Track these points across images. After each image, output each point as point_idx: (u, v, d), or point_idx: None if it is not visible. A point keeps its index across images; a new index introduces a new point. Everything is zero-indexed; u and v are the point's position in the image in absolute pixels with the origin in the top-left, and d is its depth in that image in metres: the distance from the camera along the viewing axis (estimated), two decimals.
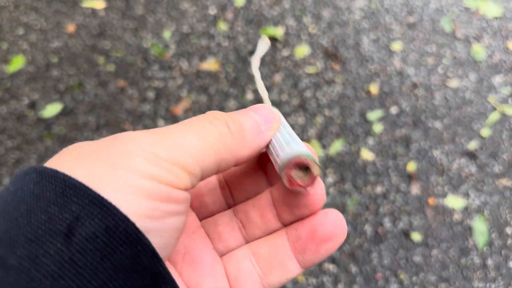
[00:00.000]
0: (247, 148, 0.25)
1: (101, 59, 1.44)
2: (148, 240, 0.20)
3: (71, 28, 1.52)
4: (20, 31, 1.51)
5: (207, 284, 0.26)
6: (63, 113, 1.33)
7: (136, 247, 0.19)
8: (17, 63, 1.43)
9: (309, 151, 0.25)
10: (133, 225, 0.19)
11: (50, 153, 1.26)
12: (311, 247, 0.26)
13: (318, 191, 0.26)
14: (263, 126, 0.26)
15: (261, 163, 0.30)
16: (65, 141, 1.28)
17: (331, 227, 0.26)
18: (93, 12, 1.56)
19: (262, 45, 0.31)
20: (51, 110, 1.33)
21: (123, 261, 0.19)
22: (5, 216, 0.19)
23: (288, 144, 0.25)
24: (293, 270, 0.27)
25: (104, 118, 1.32)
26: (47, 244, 0.18)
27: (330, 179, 1.21)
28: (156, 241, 0.20)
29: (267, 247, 0.28)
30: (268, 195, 0.29)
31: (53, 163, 0.21)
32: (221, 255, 0.29)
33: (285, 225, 0.28)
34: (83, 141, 0.22)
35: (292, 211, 0.27)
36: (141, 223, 0.19)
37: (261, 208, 0.28)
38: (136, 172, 0.20)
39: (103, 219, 0.19)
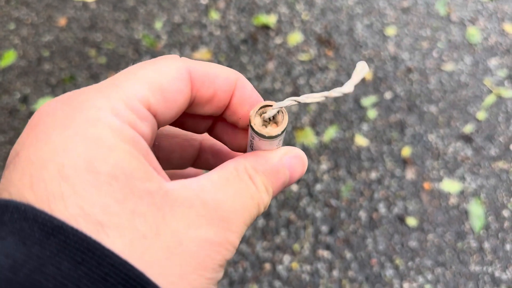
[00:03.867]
0: (271, 197, 0.25)
1: (92, 52, 1.43)
2: None
3: (62, 21, 1.51)
4: (11, 26, 1.50)
5: None
6: None
7: None
8: (9, 58, 1.42)
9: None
10: None
11: None
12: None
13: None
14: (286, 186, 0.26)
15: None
16: None
17: None
18: (84, 5, 1.55)
19: (359, 72, 0.25)
20: (43, 103, 1.32)
21: None
22: None
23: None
24: None
25: None
26: None
27: (324, 166, 1.20)
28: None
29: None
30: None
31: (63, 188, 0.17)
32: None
33: None
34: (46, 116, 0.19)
35: None
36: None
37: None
38: (193, 266, 0.19)
39: None
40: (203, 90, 0.23)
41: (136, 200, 0.18)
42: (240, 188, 0.22)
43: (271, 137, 0.23)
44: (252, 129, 0.24)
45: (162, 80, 0.21)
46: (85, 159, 0.18)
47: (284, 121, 0.24)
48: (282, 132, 0.24)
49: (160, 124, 0.22)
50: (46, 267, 0.16)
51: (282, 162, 0.24)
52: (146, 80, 0.21)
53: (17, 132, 1.28)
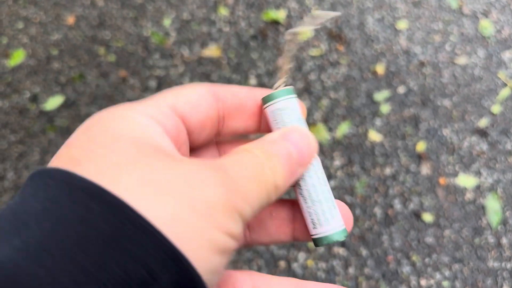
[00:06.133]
0: (285, 187, 0.24)
1: (101, 50, 1.42)
2: None
3: (70, 20, 1.50)
4: (20, 25, 1.49)
5: None
6: (65, 105, 1.32)
7: None
8: (18, 57, 1.42)
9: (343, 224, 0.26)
10: (205, 286, 0.18)
11: (53, 146, 1.25)
12: None
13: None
14: (296, 164, 0.24)
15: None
16: (68, 133, 1.26)
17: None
18: (92, 2, 1.54)
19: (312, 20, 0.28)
20: (53, 102, 1.32)
21: None
22: (73, 262, 0.16)
23: (324, 218, 0.26)
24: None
25: None
26: None
27: (338, 162, 1.19)
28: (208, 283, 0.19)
29: None
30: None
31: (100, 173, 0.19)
32: None
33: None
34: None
35: None
36: (210, 278, 0.19)
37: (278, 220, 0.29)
38: (213, 226, 0.18)
39: (180, 280, 0.17)
40: (229, 102, 0.26)
41: (148, 152, 0.19)
42: (249, 157, 0.22)
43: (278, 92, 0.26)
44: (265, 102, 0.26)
45: (186, 91, 0.24)
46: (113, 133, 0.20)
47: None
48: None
49: (191, 128, 0.24)
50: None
51: (284, 135, 0.24)
52: (172, 93, 0.24)
53: (28, 131, 1.27)
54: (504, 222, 1.10)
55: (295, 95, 0.27)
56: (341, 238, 0.25)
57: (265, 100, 0.26)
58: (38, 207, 0.17)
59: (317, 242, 0.26)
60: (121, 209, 0.17)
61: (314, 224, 0.26)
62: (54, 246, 0.16)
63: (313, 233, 0.26)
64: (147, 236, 0.16)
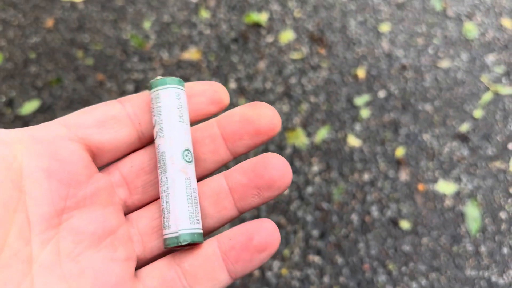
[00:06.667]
0: None
1: (80, 53, 1.40)
2: None
3: (49, 22, 1.48)
4: None
5: None
6: (41, 110, 1.30)
7: None
8: None
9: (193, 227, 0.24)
10: None
11: None
12: (245, 257, 0.25)
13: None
14: None
15: None
16: None
17: (266, 235, 0.25)
18: (72, 5, 1.52)
19: None
20: (29, 107, 1.30)
21: None
22: None
23: (169, 215, 0.24)
24: (223, 280, 0.25)
25: None
26: None
27: (316, 168, 1.17)
28: None
29: (194, 259, 0.25)
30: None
31: None
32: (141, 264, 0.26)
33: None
34: None
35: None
36: None
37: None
38: None
39: None
40: None
41: None
42: None
43: None
44: None
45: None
46: None
47: None
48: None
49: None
50: None
51: None
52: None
53: None
54: (483, 229, 1.08)
55: (180, 86, 0.25)
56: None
57: (150, 86, 0.25)
58: None
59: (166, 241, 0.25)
60: None
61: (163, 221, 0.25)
62: None
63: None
64: None
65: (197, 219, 0.24)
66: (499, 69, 1.31)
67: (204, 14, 1.49)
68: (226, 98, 0.28)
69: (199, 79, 1.33)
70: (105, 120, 0.25)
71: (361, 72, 1.32)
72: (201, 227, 0.25)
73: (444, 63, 1.34)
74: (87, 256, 0.23)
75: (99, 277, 0.23)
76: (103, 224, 0.24)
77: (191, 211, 0.24)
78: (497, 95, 1.27)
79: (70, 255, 0.22)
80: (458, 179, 1.14)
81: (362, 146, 1.20)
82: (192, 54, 1.40)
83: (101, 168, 0.27)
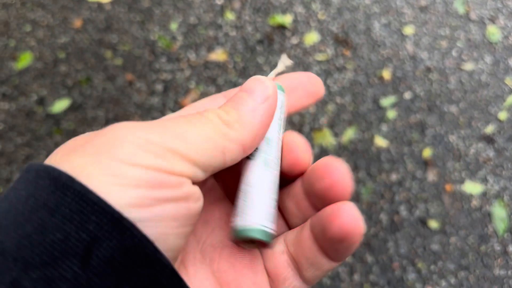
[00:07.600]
0: (248, 131, 0.23)
1: (108, 53, 1.43)
2: (167, 260, 0.19)
3: (77, 23, 1.51)
4: (28, 28, 1.50)
5: (246, 281, 0.25)
6: (72, 108, 1.32)
7: (154, 268, 0.18)
8: (25, 60, 1.42)
9: (267, 222, 0.24)
10: (151, 245, 0.18)
11: None
12: (328, 247, 0.24)
13: (343, 180, 0.24)
14: (258, 102, 0.24)
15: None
16: (74, 136, 1.27)
17: (341, 228, 0.23)
18: (99, 6, 1.54)
19: (282, 64, 0.29)
20: (60, 105, 1.32)
21: (142, 283, 0.18)
22: (18, 230, 0.18)
23: (247, 208, 0.24)
24: (326, 264, 0.25)
25: (113, 112, 1.31)
26: (64, 267, 0.17)
27: None
28: (151, 232, 0.19)
29: (295, 245, 0.26)
30: (300, 182, 0.27)
31: (50, 159, 0.20)
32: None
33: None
34: (82, 134, 0.22)
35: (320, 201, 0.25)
36: (130, 213, 0.18)
37: (295, 197, 0.26)
38: (120, 159, 0.19)
39: (122, 240, 0.18)
40: None
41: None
42: (198, 118, 0.23)
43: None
44: None
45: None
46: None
47: None
48: None
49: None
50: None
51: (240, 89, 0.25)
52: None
53: (34, 134, 1.28)
54: (510, 229, 1.09)
55: (282, 92, 0.27)
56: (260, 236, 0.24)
57: None
58: (7, 193, 0.20)
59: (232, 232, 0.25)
60: (64, 182, 0.18)
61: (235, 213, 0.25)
62: (3, 220, 0.18)
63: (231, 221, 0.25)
64: (86, 203, 0.18)
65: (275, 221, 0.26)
66: None
67: (230, 16, 1.51)
68: (322, 91, 0.30)
69: (225, 80, 1.36)
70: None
71: (386, 74, 1.34)
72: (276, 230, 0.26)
73: (468, 66, 1.35)
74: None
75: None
76: None
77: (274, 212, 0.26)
78: None
79: None
80: (484, 180, 1.16)
81: (389, 147, 1.21)
82: (218, 55, 1.42)
83: None
